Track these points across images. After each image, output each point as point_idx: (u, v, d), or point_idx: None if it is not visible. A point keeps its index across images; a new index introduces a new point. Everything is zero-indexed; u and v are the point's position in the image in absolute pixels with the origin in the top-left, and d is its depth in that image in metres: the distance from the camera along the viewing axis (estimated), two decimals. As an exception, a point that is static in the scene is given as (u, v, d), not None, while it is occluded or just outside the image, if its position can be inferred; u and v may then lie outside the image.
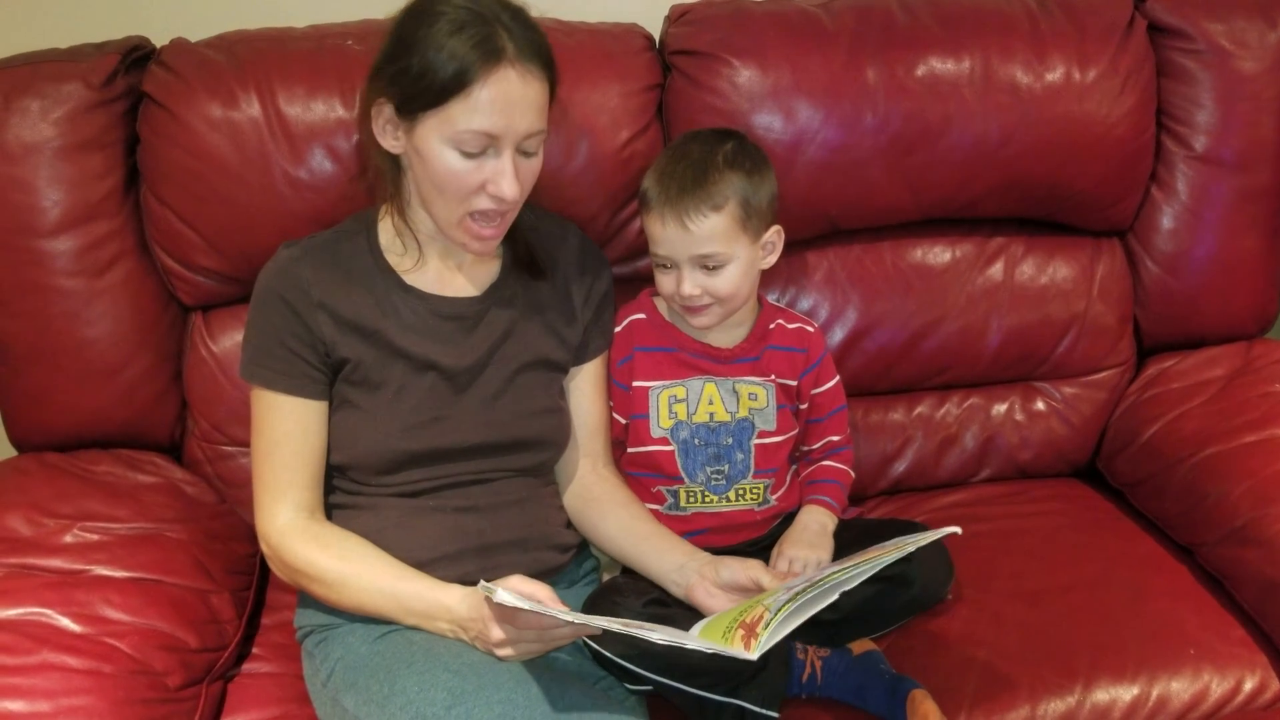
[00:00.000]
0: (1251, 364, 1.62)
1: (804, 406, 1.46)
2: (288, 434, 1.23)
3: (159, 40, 1.49)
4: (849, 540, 1.34)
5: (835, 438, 1.48)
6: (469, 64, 1.13)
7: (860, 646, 1.30)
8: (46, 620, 1.18)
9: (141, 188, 1.45)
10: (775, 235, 1.38)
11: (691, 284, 1.32)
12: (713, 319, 1.37)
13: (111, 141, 1.41)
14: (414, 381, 1.25)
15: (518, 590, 1.09)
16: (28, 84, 1.38)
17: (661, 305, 1.43)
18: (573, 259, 1.37)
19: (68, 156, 1.38)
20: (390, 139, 1.21)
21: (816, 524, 1.39)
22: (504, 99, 1.15)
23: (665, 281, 1.36)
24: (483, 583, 1.07)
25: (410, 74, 1.15)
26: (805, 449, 1.50)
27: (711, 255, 1.31)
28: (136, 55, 1.45)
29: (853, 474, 1.50)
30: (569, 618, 1.06)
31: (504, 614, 1.10)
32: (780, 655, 1.23)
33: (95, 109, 1.39)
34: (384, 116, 1.20)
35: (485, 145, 1.17)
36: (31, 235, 1.39)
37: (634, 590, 1.30)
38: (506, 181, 1.18)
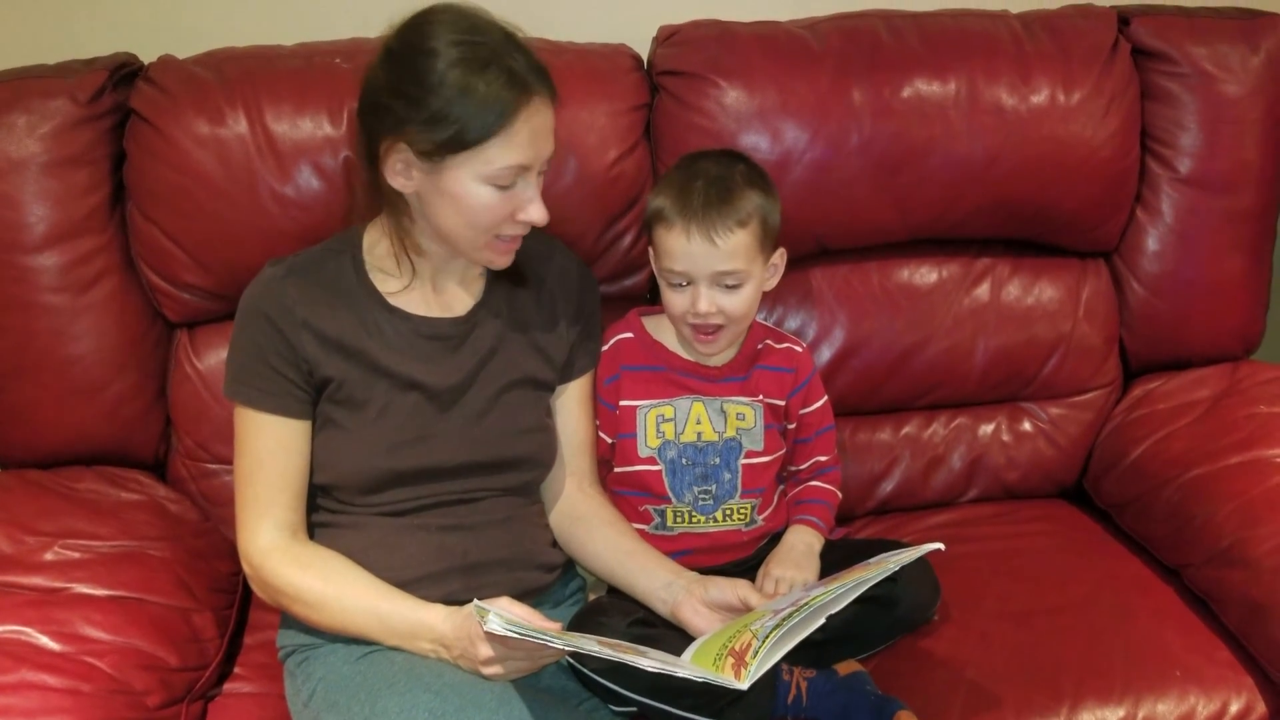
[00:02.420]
0: (1237, 385, 1.63)
1: (792, 426, 1.46)
2: (270, 453, 1.23)
3: (147, 57, 1.49)
4: (835, 561, 1.34)
5: (823, 458, 1.48)
6: (507, 104, 1.13)
7: (846, 667, 1.30)
8: (25, 639, 1.17)
9: (127, 204, 1.45)
10: (780, 258, 1.39)
11: (708, 302, 1.31)
12: (722, 344, 1.37)
13: (98, 158, 1.41)
14: (398, 401, 1.25)
15: (507, 611, 1.08)
16: (14, 99, 1.39)
17: (650, 324, 1.43)
18: (559, 277, 1.37)
19: (54, 172, 1.38)
20: (403, 179, 1.19)
21: (803, 544, 1.39)
22: (535, 131, 1.17)
23: (678, 300, 1.34)
24: (476, 602, 1.06)
25: (442, 120, 1.13)
26: (793, 469, 1.49)
27: (733, 272, 1.30)
28: (124, 72, 1.45)
29: (840, 494, 1.49)
30: (561, 645, 1.05)
31: (493, 634, 1.09)
32: (766, 676, 1.21)
33: (82, 125, 1.40)
34: (401, 160, 1.17)
35: (517, 177, 1.18)
36: (16, 251, 1.39)
37: (619, 610, 1.29)
38: (536, 208, 1.20)
